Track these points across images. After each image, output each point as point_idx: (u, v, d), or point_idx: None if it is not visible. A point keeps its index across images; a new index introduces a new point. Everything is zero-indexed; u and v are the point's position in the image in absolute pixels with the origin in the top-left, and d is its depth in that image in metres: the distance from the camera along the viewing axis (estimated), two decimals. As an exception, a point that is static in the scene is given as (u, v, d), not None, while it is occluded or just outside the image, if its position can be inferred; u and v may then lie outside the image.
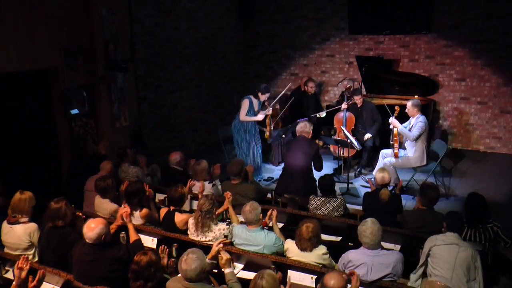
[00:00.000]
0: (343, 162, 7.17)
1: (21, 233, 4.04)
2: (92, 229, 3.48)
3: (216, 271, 3.45)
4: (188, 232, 4.29)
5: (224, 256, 3.41)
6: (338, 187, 6.24)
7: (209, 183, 5.47)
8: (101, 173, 5.32)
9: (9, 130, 5.72)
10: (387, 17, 8.59)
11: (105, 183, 4.73)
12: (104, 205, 4.79)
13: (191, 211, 5.01)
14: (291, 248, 3.90)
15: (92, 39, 6.52)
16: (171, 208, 4.55)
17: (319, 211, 5.02)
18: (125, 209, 4.15)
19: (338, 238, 4.59)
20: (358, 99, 7.24)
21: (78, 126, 6.46)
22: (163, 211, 4.65)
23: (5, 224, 4.11)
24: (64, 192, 4.90)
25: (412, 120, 6.43)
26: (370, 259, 3.64)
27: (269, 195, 5.88)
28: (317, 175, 5.67)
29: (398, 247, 4.27)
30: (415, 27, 8.41)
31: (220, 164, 5.87)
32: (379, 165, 6.60)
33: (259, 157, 7.06)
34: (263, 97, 6.86)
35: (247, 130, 6.90)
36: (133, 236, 4.00)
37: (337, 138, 6.86)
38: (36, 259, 4.08)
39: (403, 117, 6.56)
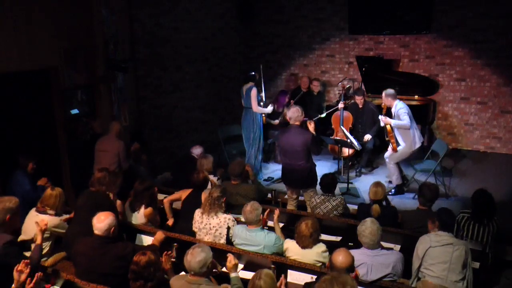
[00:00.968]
0: (343, 162, 7.17)
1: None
2: (102, 220, 3.52)
3: (216, 270, 3.45)
4: (193, 222, 4.37)
5: (233, 260, 3.44)
6: (338, 187, 6.24)
7: (214, 176, 5.61)
8: (110, 134, 5.87)
9: (9, 130, 5.72)
10: (387, 17, 8.59)
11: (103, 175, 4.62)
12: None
13: None
14: (291, 247, 3.90)
15: (92, 39, 6.52)
16: (196, 191, 4.75)
17: (318, 209, 5.03)
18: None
19: (338, 238, 4.59)
20: (359, 100, 7.22)
21: (79, 125, 6.45)
22: (185, 193, 4.83)
23: (33, 211, 4.30)
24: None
25: (393, 110, 6.39)
26: (370, 259, 3.64)
27: (269, 195, 5.89)
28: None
29: (398, 247, 4.28)
30: (415, 27, 8.41)
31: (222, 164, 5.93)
32: (389, 170, 6.64)
33: (260, 153, 7.12)
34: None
35: (256, 122, 6.89)
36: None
37: (337, 138, 6.86)
38: (48, 249, 4.22)
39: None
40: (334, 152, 7.30)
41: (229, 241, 4.26)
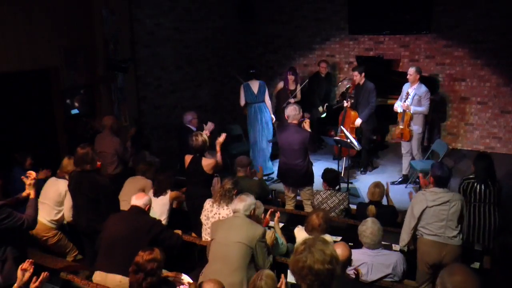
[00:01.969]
0: (345, 161, 7.16)
1: (61, 188, 4.54)
2: (141, 197, 3.91)
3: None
4: (202, 210, 4.48)
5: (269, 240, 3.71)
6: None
7: None
8: (105, 131, 5.75)
9: (9, 130, 5.72)
10: (387, 17, 8.58)
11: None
12: None
13: None
14: (300, 235, 4.09)
15: (92, 39, 6.53)
16: (197, 154, 4.86)
17: (324, 204, 5.05)
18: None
19: (338, 238, 4.59)
20: (356, 76, 7.02)
21: (79, 125, 6.46)
22: (188, 158, 4.93)
23: (53, 178, 4.67)
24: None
25: (410, 90, 6.53)
26: (370, 259, 3.65)
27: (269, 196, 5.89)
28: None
29: (397, 247, 4.28)
30: (415, 27, 8.40)
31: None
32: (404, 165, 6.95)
33: (261, 151, 7.28)
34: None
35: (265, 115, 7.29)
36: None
37: (337, 138, 6.85)
38: (55, 219, 4.54)
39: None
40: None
41: None
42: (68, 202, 4.50)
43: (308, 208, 5.52)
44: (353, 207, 5.48)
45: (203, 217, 4.46)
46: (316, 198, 5.14)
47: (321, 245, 2.22)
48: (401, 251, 4.10)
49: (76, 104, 6.55)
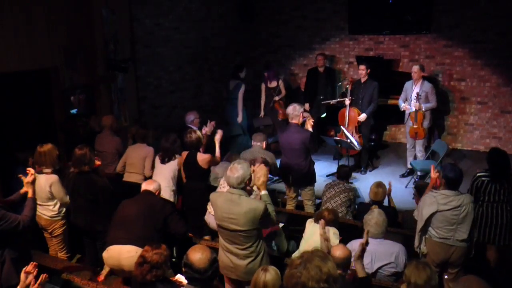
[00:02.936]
0: (347, 161, 7.16)
1: (42, 183, 4.26)
2: (151, 183, 4.05)
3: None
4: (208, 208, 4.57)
5: (262, 177, 3.59)
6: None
7: None
8: (105, 131, 5.75)
9: (9, 130, 5.72)
10: (387, 17, 8.58)
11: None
12: None
13: None
14: (309, 225, 4.17)
15: (92, 39, 6.53)
16: (192, 150, 4.93)
17: (331, 189, 5.26)
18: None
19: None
20: (363, 70, 7.05)
21: (78, 125, 6.46)
22: (184, 154, 5.01)
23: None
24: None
25: (415, 89, 6.75)
26: (373, 247, 3.70)
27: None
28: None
29: (398, 247, 4.28)
30: (415, 27, 8.40)
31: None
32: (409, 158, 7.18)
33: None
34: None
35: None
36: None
37: (337, 138, 6.85)
38: (56, 211, 4.39)
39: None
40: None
41: None
42: (58, 193, 4.36)
43: (308, 209, 5.52)
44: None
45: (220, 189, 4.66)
46: (329, 191, 5.30)
47: (319, 261, 2.08)
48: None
49: (76, 104, 6.55)
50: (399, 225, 4.80)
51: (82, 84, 6.56)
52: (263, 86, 8.37)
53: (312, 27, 9.39)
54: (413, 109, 6.74)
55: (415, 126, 6.83)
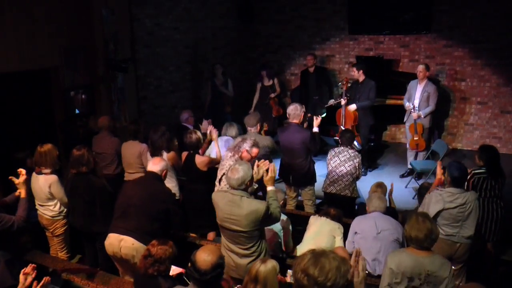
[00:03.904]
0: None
1: (42, 184, 4.28)
2: (157, 163, 3.99)
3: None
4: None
5: (270, 173, 3.57)
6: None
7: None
8: (103, 132, 5.60)
9: (9, 130, 5.72)
10: (387, 17, 8.59)
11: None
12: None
13: None
14: (313, 219, 4.34)
15: (92, 39, 6.52)
16: (191, 151, 4.88)
17: (335, 158, 5.38)
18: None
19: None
20: (354, 72, 7.09)
21: (78, 126, 6.46)
22: (184, 154, 4.97)
23: (34, 173, 4.37)
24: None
25: (419, 88, 6.80)
26: (376, 216, 4.04)
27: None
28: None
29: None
30: (415, 27, 8.41)
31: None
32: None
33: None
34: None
35: None
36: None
37: (336, 138, 6.85)
38: (57, 211, 4.38)
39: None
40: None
41: None
42: (57, 193, 4.36)
43: (308, 209, 5.52)
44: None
45: (219, 172, 4.72)
46: (330, 153, 5.47)
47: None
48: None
49: (76, 104, 6.55)
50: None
51: (82, 84, 6.55)
52: (258, 85, 8.59)
53: (312, 27, 9.39)
54: (415, 114, 6.76)
55: (415, 138, 6.82)
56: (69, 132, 6.27)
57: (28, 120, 5.95)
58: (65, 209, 4.43)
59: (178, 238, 4.25)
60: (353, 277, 2.41)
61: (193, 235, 4.82)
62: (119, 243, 3.74)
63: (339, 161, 5.36)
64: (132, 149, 5.30)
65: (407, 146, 7.20)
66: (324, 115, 7.90)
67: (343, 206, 4.88)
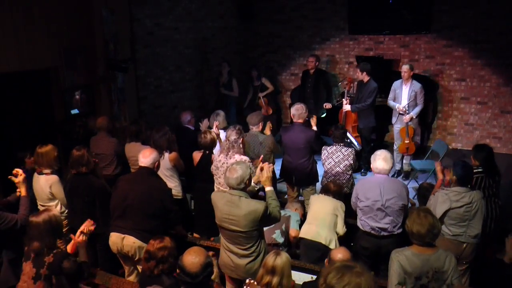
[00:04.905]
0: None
1: (43, 184, 4.28)
2: (147, 155, 3.92)
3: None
4: (213, 167, 4.65)
5: (266, 174, 3.57)
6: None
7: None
8: (100, 133, 5.57)
9: (9, 130, 5.72)
10: (387, 17, 8.58)
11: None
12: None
13: None
14: (314, 198, 4.45)
15: (92, 39, 6.52)
16: (207, 152, 4.88)
17: (329, 159, 5.31)
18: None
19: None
20: (357, 73, 7.09)
21: (77, 126, 6.44)
22: (197, 155, 4.92)
23: (35, 174, 4.39)
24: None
25: (404, 88, 6.78)
26: (381, 182, 4.01)
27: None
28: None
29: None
30: (415, 27, 8.40)
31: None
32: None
33: None
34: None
35: None
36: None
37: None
38: (59, 211, 4.27)
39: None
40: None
41: None
42: (58, 194, 4.35)
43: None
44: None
45: (213, 168, 4.66)
46: (323, 153, 5.39)
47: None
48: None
49: (76, 104, 6.54)
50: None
51: (82, 84, 6.55)
52: (251, 85, 8.90)
53: (312, 27, 9.39)
54: (400, 125, 6.80)
55: (406, 141, 6.77)
56: (69, 132, 6.25)
57: (27, 120, 5.95)
58: (66, 210, 4.43)
59: (178, 238, 4.24)
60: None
61: (197, 235, 4.81)
62: (122, 241, 3.82)
63: (333, 162, 5.33)
64: (136, 152, 5.16)
65: (395, 148, 7.06)
66: (323, 115, 7.91)
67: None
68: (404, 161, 7.14)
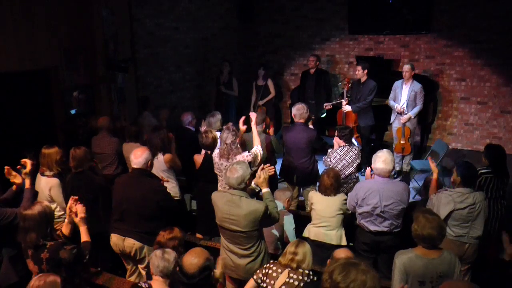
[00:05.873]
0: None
1: (43, 186, 4.28)
2: (139, 155, 3.86)
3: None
4: (216, 170, 4.60)
5: (263, 175, 3.56)
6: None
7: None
8: (102, 133, 5.57)
9: (9, 130, 5.71)
10: (387, 17, 8.59)
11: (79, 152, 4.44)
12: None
13: None
14: (315, 197, 4.30)
15: (92, 39, 6.52)
16: (208, 152, 4.80)
17: (343, 161, 5.14)
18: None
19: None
20: (358, 71, 6.97)
21: (78, 126, 6.44)
22: (199, 157, 4.87)
23: (38, 174, 4.35)
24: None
25: (404, 87, 6.79)
26: (381, 186, 3.91)
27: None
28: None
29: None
30: (415, 27, 8.40)
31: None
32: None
33: None
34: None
35: None
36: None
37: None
38: (57, 215, 4.24)
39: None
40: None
41: None
42: (56, 197, 4.34)
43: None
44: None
45: (216, 170, 4.64)
46: (333, 157, 5.19)
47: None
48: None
49: (76, 104, 6.54)
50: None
51: (82, 84, 6.55)
52: (254, 84, 8.72)
53: (312, 27, 9.39)
54: (398, 125, 6.79)
55: (402, 142, 6.81)
56: (69, 132, 6.25)
57: (28, 120, 5.94)
58: (64, 213, 4.39)
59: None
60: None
61: (199, 236, 4.80)
62: (123, 242, 3.86)
63: (347, 163, 5.18)
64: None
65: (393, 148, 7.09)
66: (323, 115, 7.90)
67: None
68: (404, 161, 7.13)
